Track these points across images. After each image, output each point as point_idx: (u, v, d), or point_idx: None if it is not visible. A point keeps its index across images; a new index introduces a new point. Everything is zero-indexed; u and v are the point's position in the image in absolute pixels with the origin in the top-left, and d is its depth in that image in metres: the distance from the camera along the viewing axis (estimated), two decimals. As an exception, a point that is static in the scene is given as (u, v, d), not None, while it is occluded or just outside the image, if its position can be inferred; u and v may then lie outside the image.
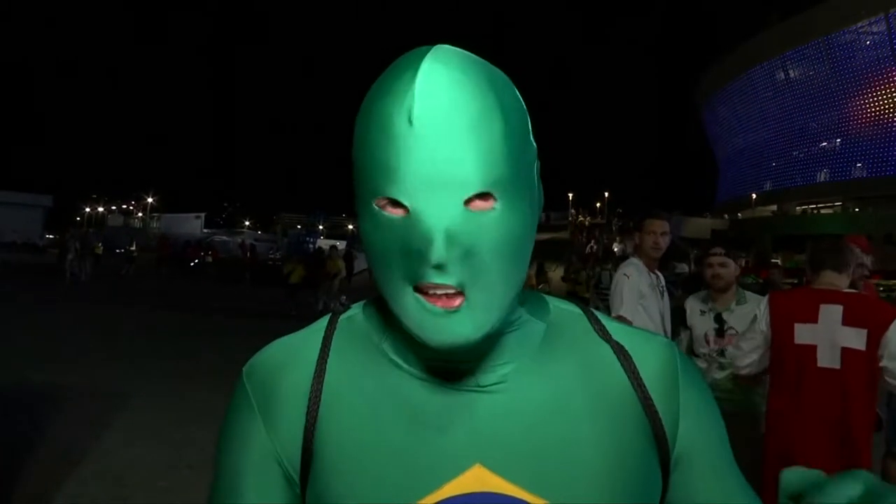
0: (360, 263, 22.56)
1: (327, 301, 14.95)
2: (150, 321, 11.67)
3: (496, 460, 0.63)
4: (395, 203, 0.58)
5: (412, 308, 0.60)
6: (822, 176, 64.47)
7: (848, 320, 2.53)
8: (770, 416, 2.72)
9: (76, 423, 5.14)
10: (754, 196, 70.66)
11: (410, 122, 0.55)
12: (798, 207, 66.27)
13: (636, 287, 3.39)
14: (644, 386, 0.68)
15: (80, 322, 10.99)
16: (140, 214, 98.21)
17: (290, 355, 0.71)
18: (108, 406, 5.67)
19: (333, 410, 0.66)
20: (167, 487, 4.03)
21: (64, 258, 21.25)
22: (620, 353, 0.70)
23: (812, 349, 2.57)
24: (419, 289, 0.58)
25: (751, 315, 2.92)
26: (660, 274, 3.68)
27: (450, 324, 0.59)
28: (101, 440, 4.79)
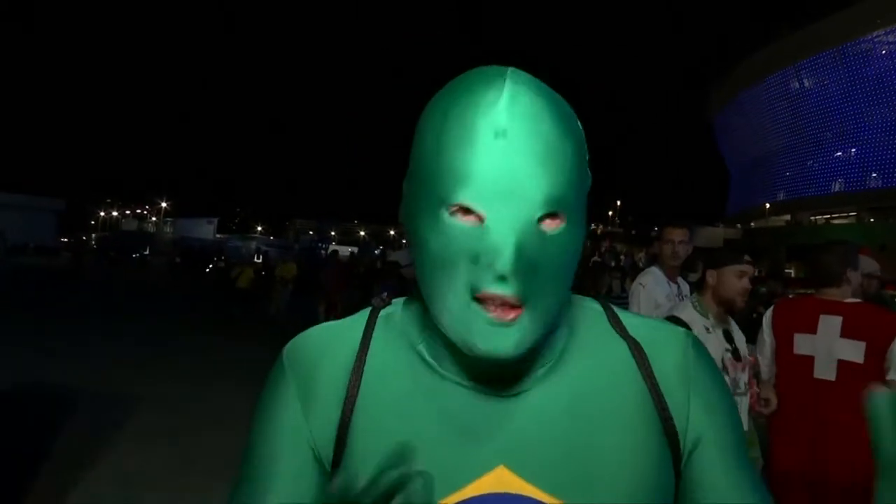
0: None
1: (279, 309, 13.25)
2: (160, 325, 11.76)
3: (519, 462, 0.64)
4: (466, 211, 0.59)
5: (465, 315, 0.61)
6: (836, 186, 63.88)
7: (846, 332, 2.52)
8: (771, 430, 2.70)
9: (86, 426, 5.20)
10: (767, 206, 70.16)
11: (496, 134, 0.58)
12: (812, 217, 65.78)
13: (651, 297, 3.38)
14: (657, 385, 0.69)
15: (90, 325, 11.09)
16: (154, 219, 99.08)
17: (330, 344, 0.72)
18: (118, 409, 5.73)
19: (368, 404, 0.68)
20: (177, 489, 4.05)
21: (79, 261, 21.50)
22: (636, 350, 0.71)
23: (810, 360, 2.57)
24: (478, 298, 0.60)
25: (738, 330, 2.75)
26: (682, 282, 3.63)
27: (499, 335, 0.60)
28: (112, 442, 4.84)
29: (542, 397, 0.68)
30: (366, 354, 0.70)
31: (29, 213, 56.14)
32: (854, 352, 2.48)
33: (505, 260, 0.57)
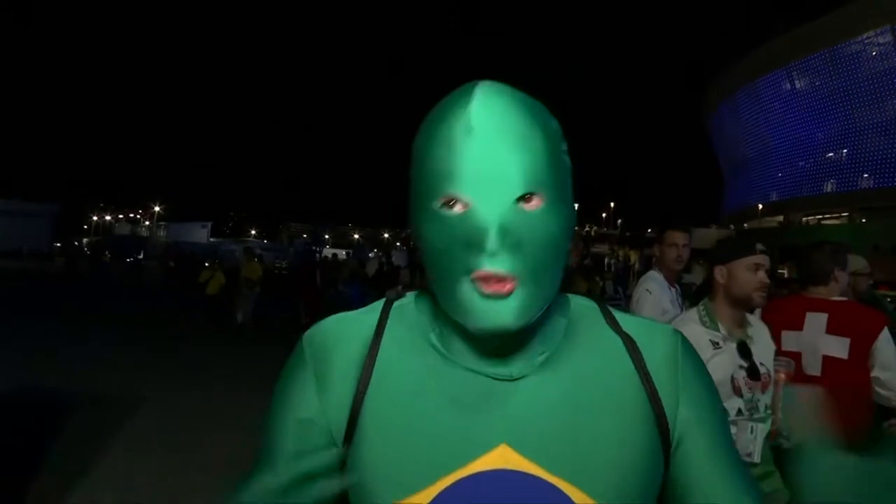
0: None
1: (245, 313, 12.10)
2: (158, 328, 11.77)
3: (521, 441, 0.70)
4: (453, 202, 0.67)
5: (465, 294, 0.67)
6: (828, 186, 64.21)
7: (832, 328, 2.58)
8: None
9: (86, 429, 5.22)
10: (760, 206, 70.45)
11: (468, 130, 0.66)
12: (804, 218, 66.06)
13: (658, 303, 3.31)
14: (649, 376, 0.75)
15: (88, 329, 11.08)
16: (147, 223, 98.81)
17: (348, 330, 0.79)
18: (117, 411, 5.75)
19: (381, 386, 0.74)
20: (176, 491, 4.07)
21: (74, 266, 21.44)
22: (629, 344, 0.77)
23: (797, 356, 2.61)
24: (475, 279, 0.66)
25: (765, 337, 2.35)
26: (678, 287, 3.60)
27: (496, 309, 0.66)
28: (111, 445, 4.87)
29: (541, 382, 0.73)
30: (380, 341, 0.77)
31: (24, 219, 55.96)
32: (839, 348, 2.55)
33: (491, 238, 0.64)
